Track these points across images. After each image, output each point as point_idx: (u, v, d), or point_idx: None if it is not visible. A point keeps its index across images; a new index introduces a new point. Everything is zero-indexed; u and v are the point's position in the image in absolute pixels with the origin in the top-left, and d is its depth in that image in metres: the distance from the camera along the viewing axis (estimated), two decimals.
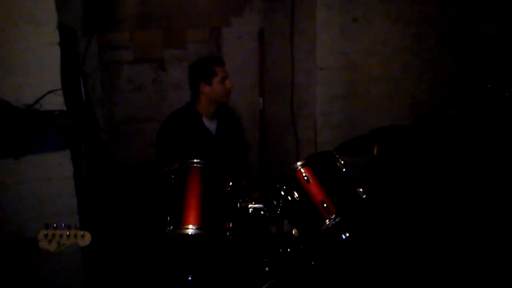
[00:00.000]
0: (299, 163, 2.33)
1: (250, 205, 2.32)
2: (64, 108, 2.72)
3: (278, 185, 2.34)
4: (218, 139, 3.04)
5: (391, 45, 4.00)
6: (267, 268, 2.32)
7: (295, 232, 2.30)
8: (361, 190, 2.37)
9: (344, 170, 2.42)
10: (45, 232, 2.13)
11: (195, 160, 2.29)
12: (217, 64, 2.96)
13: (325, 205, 2.24)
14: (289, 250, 2.38)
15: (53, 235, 2.13)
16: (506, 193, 3.24)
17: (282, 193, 2.31)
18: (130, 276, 3.20)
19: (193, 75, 2.99)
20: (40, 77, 2.68)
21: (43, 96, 2.65)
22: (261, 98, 4.35)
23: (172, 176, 2.25)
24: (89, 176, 3.13)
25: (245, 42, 4.28)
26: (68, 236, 2.14)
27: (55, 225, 2.14)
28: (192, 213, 2.17)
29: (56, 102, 2.69)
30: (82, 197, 2.92)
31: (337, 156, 2.46)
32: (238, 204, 2.30)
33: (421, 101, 4.20)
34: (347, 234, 2.27)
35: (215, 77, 2.92)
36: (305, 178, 2.30)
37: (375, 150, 3.04)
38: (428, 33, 4.13)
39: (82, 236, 2.16)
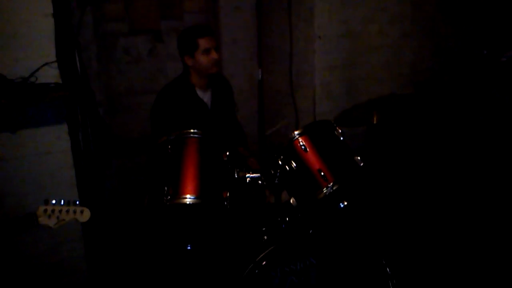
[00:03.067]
0: (296, 132, 2.33)
1: (247, 175, 2.32)
2: (60, 80, 2.70)
3: (275, 155, 2.34)
4: (213, 109, 3.01)
5: (390, 12, 3.95)
6: (265, 237, 2.34)
7: (293, 201, 2.31)
8: (358, 158, 2.37)
9: (341, 138, 2.41)
10: (45, 208, 2.13)
11: (192, 130, 2.28)
12: (200, 36, 2.85)
13: (322, 173, 2.24)
14: (287, 219, 2.39)
15: (53, 211, 2.13)
16: (503, 158, 3.24)
17: (280, 162, 2.31)
18: (129, 246, 3.24)
19: (179, 48, 2.95)
20: (34, 50, 2.65)
21: (38, 69, 2.63)
22: (259, 69, 4.31)
23: (169, 147, 2.24)
24: (87, 149, 3.12)
25: (243, 11, 4.23)
26: (68, 212, 2.14)
27: (54, 201, 2.15)
28: (190, 182, 2.17)
29: (51, 75, 2.67)
30: (80, 170, 2.93)
31: (334, 125, 2.44)
32: (236, 174, 2.31)
33: (421, 69, 4.17)
34: (345, 203, 2.28)
35: (198, 49, 2.84)
36: (302, 147, 2.30)
37: (374, 119, 3.01)
38: (427, 0, 4.07)
39: (81, 212, 2.16)
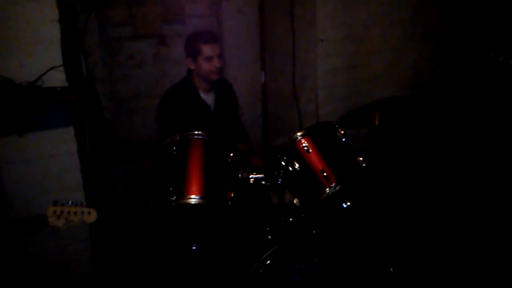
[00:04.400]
0: (299, 134, 2.35)
1: (251, 175, 2.34)
2: (66, 84, 2.73)
3: (279, 156, 2.37)
4: (217, 112, 3.05)
5: (392, 15, 3.98)
6: (269, 237, 2.36)
7: (296, 202, 2.33)
8: (361, 159, 2.39)
9: (344, 139, 2.43)
10: (54, 209, 2.19)
11: (196, 132, 2.31)
12: (204, 42, 2.89)
13: (325, 174, 2.26)
14: (291, 219, 2.42)
15: (61, 212, 2.19)
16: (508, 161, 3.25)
17: (283, 163, 2.33)
18: (135, 247, 3.27)
19: (185, 50, 3.00)
20: (41, 54, 2.69)
21: (44, 73, 2.66)
22: (262, 72, 4.35)
23: (174, 148, 2.27)
24: (93, 152, 3.16)
25: (246, 15, 4.27)
26: (76, 213, 2.21)
27: (62, 203, 2.20)
28: (195, 183, 2.19)
29: (57, 79, 2.71)
30: (87, 173, 2.96)
31: (336, 126, 2.47)
32: (240, 175, 2.33)
33: (423, 71, 4.19)
34: (348, 203, 2.30)
35: (200, 55, 2.89)
36: (305, 148, 2.32)
37: (376, 120, 3.04)
38: (429, 3, 4.10)
39: (89, 213, 2.23)
